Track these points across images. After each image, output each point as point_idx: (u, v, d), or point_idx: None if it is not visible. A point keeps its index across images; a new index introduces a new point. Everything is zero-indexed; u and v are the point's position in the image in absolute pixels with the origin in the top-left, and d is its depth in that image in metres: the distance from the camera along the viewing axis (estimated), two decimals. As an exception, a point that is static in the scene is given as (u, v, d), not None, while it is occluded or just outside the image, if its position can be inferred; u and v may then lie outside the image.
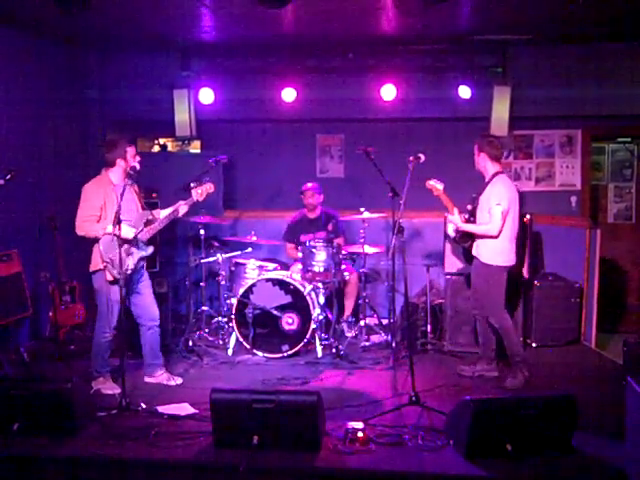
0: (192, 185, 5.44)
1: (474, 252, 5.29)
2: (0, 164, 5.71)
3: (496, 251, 5.16)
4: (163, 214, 5.29)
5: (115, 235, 4.68)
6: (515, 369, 5.21)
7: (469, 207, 5.29)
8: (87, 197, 5.01)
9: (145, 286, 5.23)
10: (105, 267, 4.95)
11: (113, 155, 5.05)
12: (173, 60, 7.43)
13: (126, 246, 4.95)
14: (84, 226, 4.95)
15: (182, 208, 5.31)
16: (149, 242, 5.21)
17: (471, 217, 5.29)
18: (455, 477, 3.76)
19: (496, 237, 5.11)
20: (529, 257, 6.07)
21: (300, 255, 6.20)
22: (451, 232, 5.48)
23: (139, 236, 5.05)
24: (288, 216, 6.99)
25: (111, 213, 4.87)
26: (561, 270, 6.65)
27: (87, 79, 7.44)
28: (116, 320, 5.06)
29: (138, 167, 5.05)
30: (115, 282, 4.94)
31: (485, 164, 5.27)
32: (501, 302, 5.21)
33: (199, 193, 5.34)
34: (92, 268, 5.05)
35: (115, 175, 5.08)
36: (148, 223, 5.16)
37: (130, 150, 5.09)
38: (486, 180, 5.27)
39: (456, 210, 5.26)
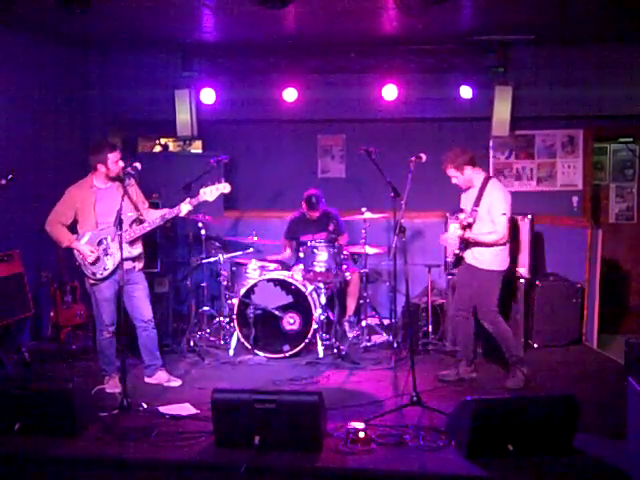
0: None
1: (469, 260, 5.22)
2: (1, 164, 5.72)
3: (494, 256, 5.12)
4: (155, 215, 5.14)
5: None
6: (514, 369, 5.19)
7: (470, 220, 5.07)
8: (64, 200, 5.08)
9: (137, 288, 5.13)
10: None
11: (94, 159, 5.01)
12: (174, 60, 7.43)
13: (103, 246, 4.99)
14: (51, 227, 5.05)
15: (184, 207, 5.08)
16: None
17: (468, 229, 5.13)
18: (456, 477, 3.75)
19: (504, 244, 5.07)
20: (530, 257, 6.06)
21: (288, 253, 6.72)
22: (451, 241, 5.29)
23: (124, 236, 4.85)
24: (289, 216, 6.98)
25: (86, 217, 4.99)
26: (562, 270, 6.64)
27: (88, 79, 7.44)
28: (110, 319, 5.09)
29: (139, 167, 4.99)
30: (99, 281, 5.01)
31: (471, 176, 5.15)
32: (495, 306, 5.17)
33: (206, 193, 5.13)
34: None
35: (98, 179, 5.06)
36: (137, 223, 5.08)
37: (112, 156, 4.97)
38: (477, 188, 5.14)
39: (454, 226, 5.18)
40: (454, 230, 5.15)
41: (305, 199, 6.65)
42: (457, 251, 5.25)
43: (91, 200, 5.01)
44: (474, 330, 5.31)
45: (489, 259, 5.12)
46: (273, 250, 7.02)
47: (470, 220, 5.09)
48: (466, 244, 5.18)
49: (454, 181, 5.22)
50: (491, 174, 7.50)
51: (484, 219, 5.09)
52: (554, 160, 7.73)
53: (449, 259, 5.46)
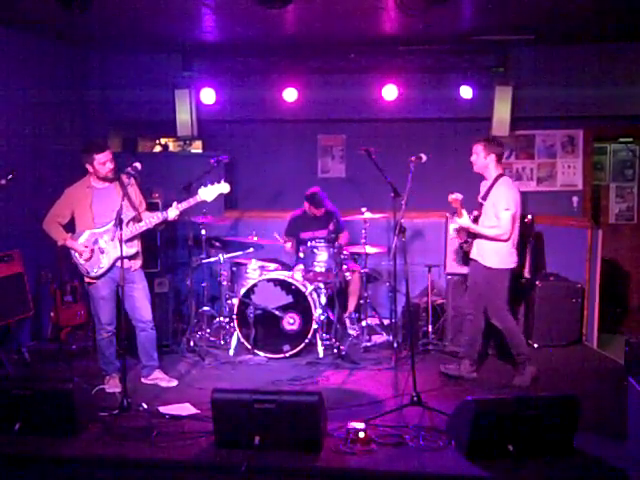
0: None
1: (473, 255, 5.26)
2: (1, 164, 5.72)
3: (500, 254, 5.13)
4: (148, 217, 5.11)
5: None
6: (522, 367, 5.21)
7: (475, 213, 5.22)
8: (61, 200, 5.12)
9: (135, 288, 5.13)
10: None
11: (83, 159, 5.03)
12: (174, 60, 7.43)
13: (99, 245, 5.00)
14: (48, 226, 5.10)
15: (172, 212, 5.07)
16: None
17: (475, 222, 5.23)
18: (456, 477, 3.76)
19: (506, 241, 5.09)
20: (530, 257, 6.07)
21: (289, 246, 6.64)
22: (452, 233, 5.47)
23: (117, 236, 4.81)
24: (290, 214, 6.97)
25: (83, 216, 5.03)
26: (562, 270, 6.64)
27: (88, 79, 7.44)
28: (107, 318, 5.10)
29: (139, 167, 4.97)
30: (94, 279, 5.04)
31: (490, 165, 5.22)
32: (504, 303, 5.21)
33: (204, 193, 5.12)
34: None
35: (95, 179, 5.08)
36: (134, 222, 5.05)
37: (99, 158, 4.94)
38: (489, 182, 5.23)
39: (465, 212, 5.18)
40: (464, 217, 5.16)
41: (308, 198, 6.63)
42: (461, 242, 5.33)
43: (88, 200, 5.04)
44: (482, 330, 5.31)
45: (493, 256, 5.15)
46: (273, 250, 7.03)
47: (475, 213, 5.20)
48: (472, 237, 5.24)
49: (472, 158, 5.27)
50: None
51: (489, 213, 5.15)
52: (554, 160, 7.73)
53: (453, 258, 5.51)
